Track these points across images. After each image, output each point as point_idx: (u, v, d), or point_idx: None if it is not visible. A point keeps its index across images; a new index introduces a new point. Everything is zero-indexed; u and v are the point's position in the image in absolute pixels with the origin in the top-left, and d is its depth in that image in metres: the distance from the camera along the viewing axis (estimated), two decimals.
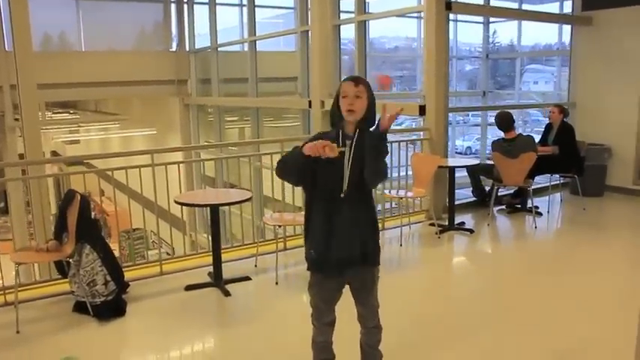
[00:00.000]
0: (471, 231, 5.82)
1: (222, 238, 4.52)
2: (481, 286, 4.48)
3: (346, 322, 2.65)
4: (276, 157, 5.30)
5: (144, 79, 11.42)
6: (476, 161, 6.90)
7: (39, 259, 4.08)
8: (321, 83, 8.17)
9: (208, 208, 4.37)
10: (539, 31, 12.12)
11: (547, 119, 7.14)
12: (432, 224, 5.79)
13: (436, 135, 6.20)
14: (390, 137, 5.82)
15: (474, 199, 6.88)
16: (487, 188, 6.80)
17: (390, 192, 5.72)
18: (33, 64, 6.64)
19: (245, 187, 5.79)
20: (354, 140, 2.34)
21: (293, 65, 12.03)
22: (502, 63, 12.68)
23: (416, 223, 6.13)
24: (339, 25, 8.10)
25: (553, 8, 10.14)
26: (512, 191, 6.83)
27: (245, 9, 10.46)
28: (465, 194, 7.07)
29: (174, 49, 12.12)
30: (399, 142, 6.30)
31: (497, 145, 6.14)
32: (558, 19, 8.35)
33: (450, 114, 8.29)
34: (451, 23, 10.77)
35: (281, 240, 5.15)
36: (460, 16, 10.74)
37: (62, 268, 4.02)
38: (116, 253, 4.25)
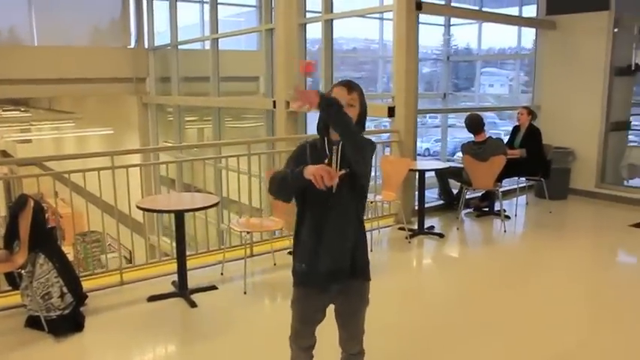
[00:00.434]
0: (441, 235, 5.75)
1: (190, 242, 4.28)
2: (456, 293, 4.39)
3: (328, 346, 2.49)
4: (242, 160, 5.19)
5: (100, 76, 10.98)
6: (446, 164, 6.85)
7: None
8: (287, 83, 7.98)
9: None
10: (495, 35, 12.27)
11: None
12: (402, 228, 5.69)
13: (406, 137, 6.10)
14: None
15: (441, 202, 6.84)
16: (454, 191, 6.76)
17: None
18: None
19: (207, 189, 5.60)
20: (340, 146, 2.18)
21: (254, 64, 11.82)
22: (459, 66, 12.78)
23: (385, 227, 6.02)
24: (305, 24, 7.93)
25: (512, 12, 10.27)
26: (479, 194, 6.81)
27: (206, 6, 10.17)
28: (430, 197, 7.02)
29: (132, 45, 11.69)
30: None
31: (467, 147, 6.09)
32: (525, 22, 8.42)
33: None
34: None
35: (248, 246, 4.94)
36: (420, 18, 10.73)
37: (13, 280, 3.71)
38: (70, 257, 3.97)
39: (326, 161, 2.16)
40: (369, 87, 14.63)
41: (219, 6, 10.02)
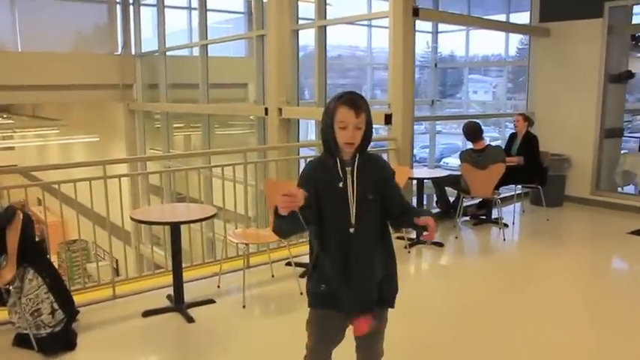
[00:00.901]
0: (440, 244, 5.64)
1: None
2: (460, 304, 4.27)
3: None
4: (238, 169, 5.04)
5: (86, 82, 10.77)
6: (445, 173, 6.75)
7: None
8: (279, 90, 7.86)
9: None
10: (479, 43, 12.32)
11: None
12: (400, 237, 5.57)
13: (403, 145, 6.00)
14: None
15: (438, 210, 6.74)
16: (451, 199, 6.67)
17: None
18: None
19: (197, 199, 5.45)
20: (355, 167, 2.05)
21: (243, 71, 11.69)
22: (445, 73, 12.77)
23: None
24: (298, 31, 7.82)
25: (499, 19, 10.30)
26: (476, 202, 6.72)
27: (195, 12, 10.03)
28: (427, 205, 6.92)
29: (119, 52, 11.50)
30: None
31: (466, 155, 6.00)
32: (519, 29, 8.41)
33: None
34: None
35: (244, 257, 4.78)
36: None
37: (0, 296, 3.52)
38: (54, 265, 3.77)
39: (340, 184, 2.04)
40: None
41: (207, 12, 9.89)
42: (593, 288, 4.69)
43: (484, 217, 6.58)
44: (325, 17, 7.28)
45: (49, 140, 14.30)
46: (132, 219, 3.72)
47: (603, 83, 7.29)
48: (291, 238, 3.88)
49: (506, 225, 6.30)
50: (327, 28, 7.37)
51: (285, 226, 1.99)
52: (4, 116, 15.08)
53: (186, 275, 4.23)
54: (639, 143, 9.59)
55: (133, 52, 11.43)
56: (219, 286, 4.42)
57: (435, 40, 12.21)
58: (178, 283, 3.93)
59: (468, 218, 6.64)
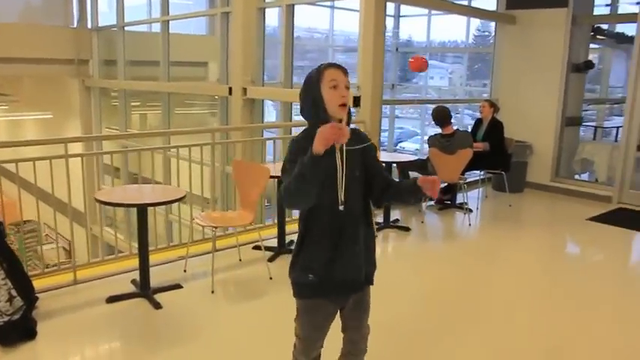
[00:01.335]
0: (407, 229, 5.65)
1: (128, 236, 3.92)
2: (428, 287, 4.27)
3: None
4: (201, 149, 4.89)
5: (38, 56, 10.28)
6: (413, 157, 6.75)
7: None
8: (244, 69, 7.68)
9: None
10: (438, 28, 12.40)
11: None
12: None
13: (371, 128, 5.95)
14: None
15: None
16: None
17: None
18: None
19: (151, 178, 5.27)
20: (345, 146, 1.96)
21: (204, 49, 11.39)
22: (403, 57, 12.81)
23: None
24: (264, 9, 7.64)
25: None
26: (441, 187, 6.75)
27: None
28: None
29: (74, 25, 10.99)
30: None
31: (434, 140, 6.00)
32: (486, 15, 8.43)
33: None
34: (354, 14, 10.71)
35: (211, 240, 4.65)
36: None
37: None
38: None
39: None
40: None
41: None
42: (561, 272, 4.77)
43: (449, 202, 6.63)
44: None
45: None
46: (97, 200, 3.54)
47: (566, 72, 7.41)
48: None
49: (470, 210, 6.36)
50: (283, 8, 7.22)
51: (309, 176, 1.79)
52: None
53: (150, 259, 4.08)
54: (594, 132, 9.87)
55: (90, 26, 10.95)
56: (185, 271, 4.29)
57: (396, 25, 12.21)
58: (145, 268, 3.78)
59: (433, 203, 6.67)
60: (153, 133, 7.99)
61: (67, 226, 4.17)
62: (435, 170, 5.92)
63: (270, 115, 10.14)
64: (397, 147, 15.24)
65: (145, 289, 3.77)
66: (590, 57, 8.26)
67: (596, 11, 8.32)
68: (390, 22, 11.77)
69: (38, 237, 8.21)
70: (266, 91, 7.94)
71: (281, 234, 4.84)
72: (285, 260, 4.60)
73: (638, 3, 7.09)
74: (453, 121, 6.15)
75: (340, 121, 1.92)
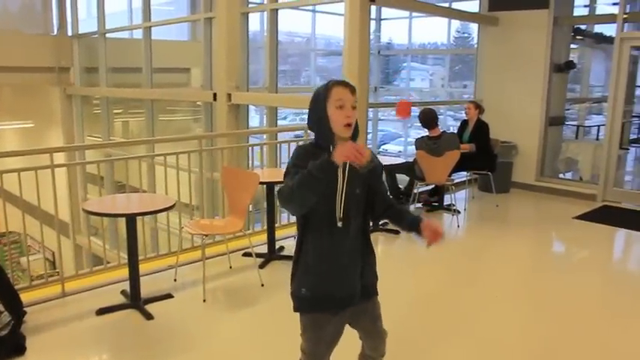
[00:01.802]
0: (396, 232, 5.64)
1: (114, 244, 3.85)
2: (423, 291, 4.27)
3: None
4: (185, 157, 4.84)
5: (18, 64, 10.12)
6: (400, 160, 6.76)
7: None
8: (228, 75, 7.64)
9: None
10: (418, 31, 12.46)
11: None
12: None
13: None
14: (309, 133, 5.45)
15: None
16: (401, 187, 6.71)
17: None
18: None
19: (140, 187, 5.20)
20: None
21: (186, 55, 11.31)
22: (384, 60, 12.85)
23: None
24: (248, 14, 7.61)
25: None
26: (428, 189, 6.78)
27: None
28: None
29: (54, 33, 10.84)
30: None
31: (421, 143, 6.01)
32: (469, 17, 8.49)
33: None
34: (334, 18, 10.74)
35: (201, 248, 4.60)
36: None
37: None
38: None
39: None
40: (294, 80, 14.52)
41: None
42: (555, 272, 4.80)
43: (436, 204, 6.64)
44: (277, 0, 7.11)
45: None
46: (85, 211, 3.48)
47: (548, 73, 7.49)
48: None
49: (458, 211, 6.39)
50: (267, 13, 7.20)
51: (306, 184, 1.80)
52: None
53: (139, 269, 4.02)
54: (576, 131, 9.99)
55: (70, 34, 10.82)
56: (175, 280, 4.24)
57: (378, 28, 12.25)
58: (135, 278, 3.72)
59: (420, 205, 6.69)
60: (140, 141, 7.87)
61: (49, 237, 4.10)
62: (423, 172, 5.94)
63: (254, 119, 10.10)
64: (380, 149, 15.27)
65: (135, 300, 3.71)
66: (571, 57, 8.36)
67: (576, 12, 8.43)
68: (371, 26, 11.80)
69: (21, 248, 8.09)
70: (251, 96, 7.91)
71: (271, 240, 4.80)
72: (276, 266, 4.59)
73: (614, 4, 7.18)
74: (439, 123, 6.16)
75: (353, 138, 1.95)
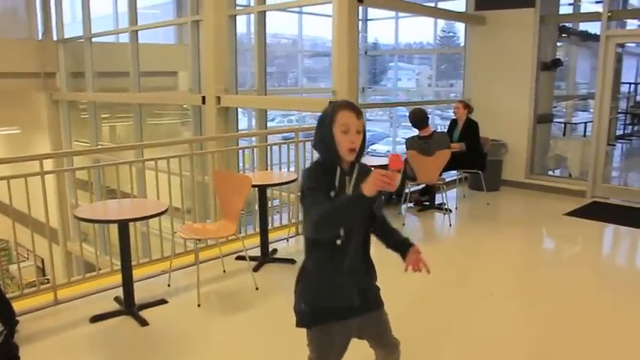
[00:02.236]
0: None
1: (103, 250, 3.82)
2: (416, 290, 4.27)
3: None
4: (176, 161, 4.81)
5: (3, 70, 9.96)
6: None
7: None
8: (216, 78, 7.61)
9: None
10: (406, 31, 12.50)
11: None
12: None
13: None
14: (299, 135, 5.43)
15: None
16: None
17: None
18: None
19: (131, 192, 5.16)
20: (354, 177, 1.99)
21: (173, 59, 11.25)
22: (371, 60, 12.89)
23: None
24: (235, 16, 7.59)
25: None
26: (419, 188, 6.80)
27: None
28: None
29: (39, 38, 10.73)
30: (308, 140, 5.96)
31: (412, 142, 6.02)
32: (456, 17, 8.53)
33: None
34: (320, 19, 10.74)
35: (194, 253, 4.58)
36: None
37: None
38: None
39: (332, 194, 1.96)
40: (280, 81, 14.51)
41: None
42: (544, 268, 4.84)
43: (428, 203, 6.66)
44: (265, 2, 7.10)
45: None
46: (77, 217, 3.44)
47: (536, 71, 7.55)
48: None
49: (449, 210, 6.41)
50: (252, 15, 7.19)
51: (338, 217, 1.84)
52: None
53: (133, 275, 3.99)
54: (564, 128, 10.08)
55: (55, 38, 10.71)
56: (169, 285, 4.21)
57: (364, 28, 12.27)
58: (128, 284, 3.69)
59: (412, 205, 6.70)
60: (131, 146, 7.81)
61: (38, 244, 4.05)
62: (414, 172, 5.95)
63: (241, 122, 10.07)
64: (369, 149, 15.30)
65: (129, 306, 3.68)
66: (557, 55, 8.43)
67: (562, 10, 8.51)
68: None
69: (9, 256, 8.00)
70: (240, 99, 7.88)
71: (264, 243, 4.79)
72: (270, 269, 4.58)
73: (598, 2, 7.26)
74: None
75: (355, 163, 1.99)
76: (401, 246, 2.16)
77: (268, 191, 4.98)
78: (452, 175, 7.25)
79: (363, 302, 2.08)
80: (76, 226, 10.20)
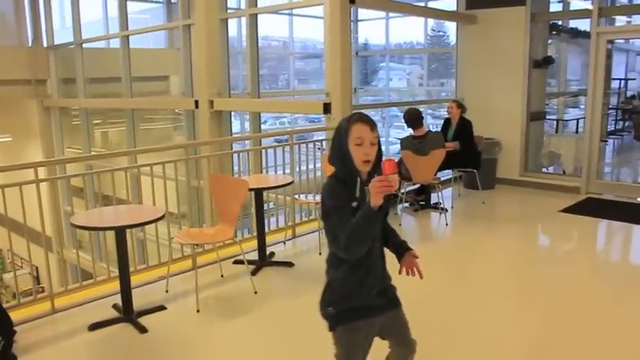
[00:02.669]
0: None
1: (99, 257, 3.78)
2: (414, 290, 4.26)
3: None
4: (172, 166, 4.79)
5: None
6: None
7: None
8: (209, 81, 7.59)
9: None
10: (396, 31, 12.52)
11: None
12: None
13: None
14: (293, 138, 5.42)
15: None
16: None
17: (301, 196, 5.38)
18: None
19: (127, 198, 5.14)
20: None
21: (164, 63, 11.22)
22: (362, 61, 12.91)
23: None
24: (227, 19, 7.58)
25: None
26: (414, 188, 6.80)
27: (111, 2, 9.47)
28: None
29: (29, 44, 10.67)
30: (302, 143, 5.97)
31: (407, 142, 6.03)
32: (447, 16, 8.55)
33: None
34: (311, 21, 10.74)
35: (192, 258, 4.56)
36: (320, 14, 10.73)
37: None
38: None
39: (354, 204, 1.99)
40: (272, 84, 14.50)
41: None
42: (542, 265, 4.85)
43: (423, 203, 6.66)
44: (256, 5, 7.09)
45: None
46: (73, 225, 3.42)
47: (528, 68, 7.58)
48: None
49: (445, 209, 6.41)
50: (244, 18, 7.17)
51: (362, 233, 1.89)
52: None
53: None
54: (556, 125, 10.12)
55: (45, 45, 10.65)
56: (167, 291, 4.19)
57: (355, 29, 12.28)
58: (126, 291, 3.67)
59: (407, 205, 6.70)
60: (125, 152, 7.77)
61: (33, 253, 4.02)
62: (409, 172, 5.96)
63: (234, 125, 10.05)
64: None
65: (128, 314, 3.66)
66: (548, 52, 8.47)
67: (552, 8, 8.54)
68: None
69: (2, 264, 7.94)
70: (234, 102, 7.87)
71: (261, 246, 4.77)
72: (268, 273, 4.55)
73: None
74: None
75: (373, 174, 1.98)
76: (399, 247, 2.24)
77: (263, 194, 4.96)
78: (447, 174, 7.25)
79: (384, 301, 2.15)
80: (71, 233, 10.16)
